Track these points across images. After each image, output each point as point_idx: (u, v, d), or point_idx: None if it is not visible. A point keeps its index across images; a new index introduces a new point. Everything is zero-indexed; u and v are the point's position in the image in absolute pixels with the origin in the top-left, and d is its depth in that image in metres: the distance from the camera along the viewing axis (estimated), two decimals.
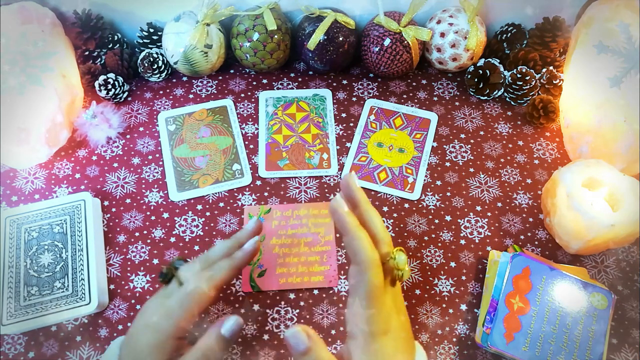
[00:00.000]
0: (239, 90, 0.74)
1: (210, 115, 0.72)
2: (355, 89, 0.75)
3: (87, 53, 0.73)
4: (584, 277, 0.57)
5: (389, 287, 0.45)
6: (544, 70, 0.72)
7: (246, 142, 0.70)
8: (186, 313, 0.46)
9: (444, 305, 0.59)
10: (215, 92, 0.74)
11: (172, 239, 0.63)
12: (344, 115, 0.72)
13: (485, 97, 0.73)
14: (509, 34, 0.73)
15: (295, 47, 0.73)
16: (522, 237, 0.64)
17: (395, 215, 0.65)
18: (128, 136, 0.71)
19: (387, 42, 0.69)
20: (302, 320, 0.59)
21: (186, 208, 0.65)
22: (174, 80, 0.75)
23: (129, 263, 0.62)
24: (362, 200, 0.47)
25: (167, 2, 0.72)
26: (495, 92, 0.72)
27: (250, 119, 0.72)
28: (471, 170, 0.68)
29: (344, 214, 0.45)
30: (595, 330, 0.54)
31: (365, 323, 0.42)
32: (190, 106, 0.73)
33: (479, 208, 0.65)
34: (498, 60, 0.73)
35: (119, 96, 0.72)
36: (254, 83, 0.75)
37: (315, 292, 0.61)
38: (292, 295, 0.60)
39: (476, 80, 0.72)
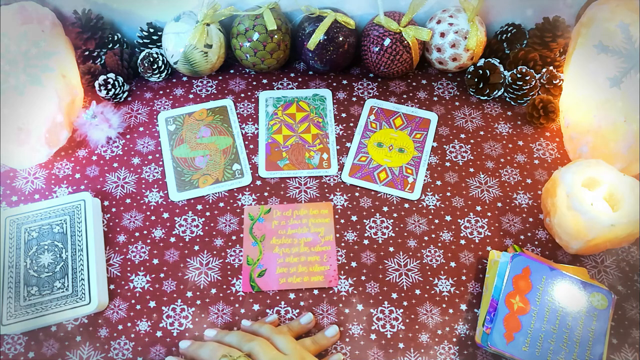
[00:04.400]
0: (239, 90, 0.74)
1: (210, 115, 0.72)
2: (355, 89, 0.75)
3: (87, 53, 0.73)
4: (584, 277, 0.57)
5: None
6: (544, 70, 0.72)
7: (246, 142, 0.70)
8: None
9: (444, 305, 0.59)
10: (215, 92, 0.74)
11: (172, 239, 0.63)
12: (344, 115, 0.72)
13: (485, 97, 0.73)
14: (509, 34, 0.73)
15: (295, 47, 0.73)
16: (522, 237, 0.64)
17: (395, 215, 0.65)
18: (128, 136, 0.71)
19: (387, 42, 0.69)
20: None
21: (186, 208, 0.65)
22: (174, 80, 0.75)
23: (129, 263, 0.62)
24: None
25: (167, 2, 0.72)
26: (495, 92, 0.72)
27: (250, 119, 0.72)
28: (471, 170, 0.68)
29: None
30: (595, 330, 0.54)
31: None
32: (190, 106, 0.73)
33: (479, 208, 0.65)
34: (498, 60, 0.73)
35: (119, 96, 0.72)
36: (254, 83, 0.75)
37: (315, 292, 0.61)
38: (292, 295, 0.60)
39: (476, 80, 0.72)
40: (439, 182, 0.67)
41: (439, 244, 0.63)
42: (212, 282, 0.61)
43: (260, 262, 0.62)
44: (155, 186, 0.67)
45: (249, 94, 0.74)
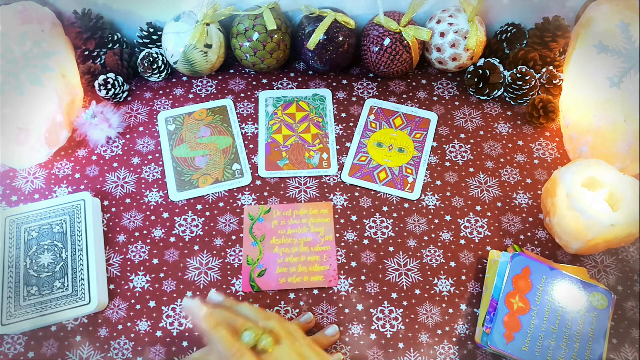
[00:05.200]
0: (239, 90, 0.74)
1: (210, 115, 0.72)
2: (355, 89, 0.75)
3: (87, 53, 0.73)
4: (584, 277, 0.57)
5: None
6: (544, 70, 0.72)
7: (246, 142, 0.70)
8: None
9: (444, 305, 0.59)
10: (215, 92, 0.74)
11: (172, 239, 0.63)
12: (344, 115, 0.72)
13: (485, 97, 0.73)
14: (509, 34, 0.73)
15: (295, 47, 0.73)
16: (522, 237, 0.64)
17: (395, 215, 0.65)
18: (128, 136, 0.71)
19: (387, 42, 0.69)
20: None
21: (186, 208, 0.65)
22: (174, 80, 0.75)
23: (129, 263, 0.62)
24: (221, 309, 0.51)
25: (167, 2, 0.72)
26: (495, 92, 0.72)
27: (250, 119, 0.72)
28: (471, 170, 0.68)
29: (199, 320, 0.48)
30: (595, 330, 0.54)
31: None
32: (190, 106, 0.73)
33: (479, 208, 0.65)
34: (498, 60, 0.73)
35: (119, 96, 0.72)
36: (254, 83, 0.75)
37: (315, 292, 0.61)
38: (292, 295, 0.60)
39: (476, 80, 0.72)
40: (439, 182, 0.67)
41: (439, 244, 0.63)
42: (212, 282, 0.61)
43: (260, 262, 0.62)
44: (155, 186, 0.67)
45: (249, 94, 0.74)
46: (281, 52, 0.71)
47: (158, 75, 0.73)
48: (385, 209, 0.65)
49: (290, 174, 0.68)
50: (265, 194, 0.66)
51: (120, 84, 0.72)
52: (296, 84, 0.75)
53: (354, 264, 0.62)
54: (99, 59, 0.74)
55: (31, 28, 0.66)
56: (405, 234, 0.64)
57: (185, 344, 0.57)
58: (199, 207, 0.65)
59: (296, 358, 0.48)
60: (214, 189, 0.66)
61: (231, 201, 0.66)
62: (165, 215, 0.65)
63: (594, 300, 0.55)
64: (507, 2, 0.73)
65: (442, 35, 0.70)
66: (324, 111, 0.73)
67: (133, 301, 0.60)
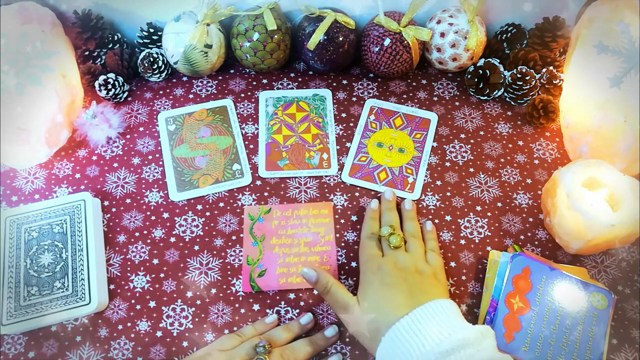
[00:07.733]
0: (239, 90, 0.74)
1: (210, 115, 0.72)
2: (355, 89, 0.75)
3: (87, 53, 0.73)
4: (584, 277, 0.57)
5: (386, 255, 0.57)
6: (544, 70, 0.72)
7: (246, 142, 0.70)
8: None
9: None
10: (215, 92, 0.74)
11: (172, 239, 0.63)
12: (344, 115, 0.72)
13: (485, 97, 0.73)
14: (509, 34, 0.73)
15: (295, 47, 0.73)
16: (522, 237, 0.64)
17: None
18: (128, 136, 0.71)
19: (387, 42, 0.69)
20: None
21: (186, 208, 0.65)
22: (174, 80, 0.75)
23: (129, 263, 0.62)
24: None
25: (167, 2, 0.72)
26: (495, 92, 0.72)
27: (250, 119, 0.72)
28: (471, 170, 0.68)
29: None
30: (595, 331, 0.54)
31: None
32: (190, 106, 0.73)
33: (479, 208, 0.65)
34: (498, 60, 0.73)
35: (119, 96, 0.72)
36: (254, 83, 0.75)
37: (315, 292, 0.61)
38: (292, 295, 0.60)
39: (476, 80, 0.72)
40: (439, 182, 0.67)
41: (439, 244, 0.63)
42: (212, 282, 0.61)
43: (260, 262, 0.62)
44: (155, 186, 0.67)
45: (249, 94, 0.74)
46: (281, 52, 0.71)
47: (158, 75, 0.73)
48: None
49: (290, 174, 0.68)
50: (265, 194, 0.66)
51: (120, 84, 0.72)
52: (296, 84, 0.75)
53: (354, 264, 0.62)
54: (99, 59, 0.74)
55: (31, 28, 0.66)
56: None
57: (185, 344, 0.57)
58: (199, 207, 0.65)
59: None
60: (214, 189, 0.66)
61: (231, 201, 0.66)
62: (165, 215, 0.65)
63: (594, 300, 0.55)
64: (507, 2, 0.73)
65: (442, 35, 0.70)
66: (324, 111, 0.73)
67: (133, 301, 0.60)
